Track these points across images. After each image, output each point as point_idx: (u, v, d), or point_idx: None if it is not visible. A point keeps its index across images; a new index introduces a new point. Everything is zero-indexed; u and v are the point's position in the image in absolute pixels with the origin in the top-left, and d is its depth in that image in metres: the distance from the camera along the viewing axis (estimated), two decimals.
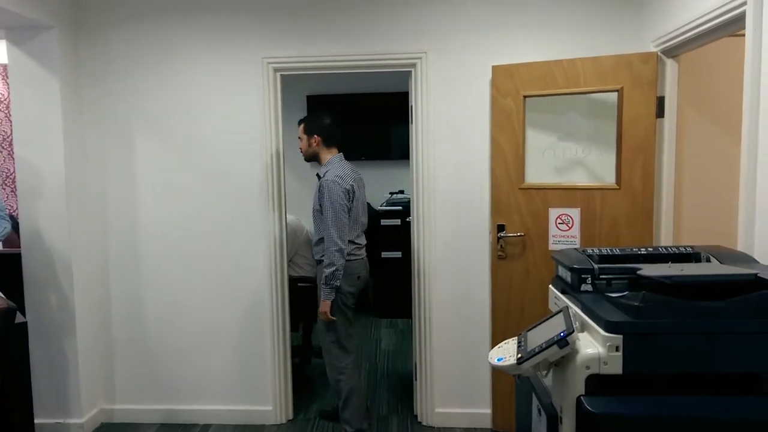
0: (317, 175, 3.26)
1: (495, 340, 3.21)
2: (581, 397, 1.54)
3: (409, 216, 3.55)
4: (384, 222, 5.59)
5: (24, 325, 2.64)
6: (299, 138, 3.30)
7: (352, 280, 3.17)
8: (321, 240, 3.11)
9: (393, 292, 5.55)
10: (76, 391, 3.36)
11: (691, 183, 3.01)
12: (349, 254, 3.10)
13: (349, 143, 5.79)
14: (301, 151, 3.31)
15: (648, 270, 1.68)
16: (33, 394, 2.95)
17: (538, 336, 1.68)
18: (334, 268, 3.01)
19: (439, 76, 3.28)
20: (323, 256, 3.06)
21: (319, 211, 3.11)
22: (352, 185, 3.12)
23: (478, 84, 3.25)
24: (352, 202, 3.13)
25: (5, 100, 5.05)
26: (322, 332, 3.23)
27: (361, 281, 3.27)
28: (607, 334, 1.53)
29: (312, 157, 3.31)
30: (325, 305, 3.07)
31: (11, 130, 3.35)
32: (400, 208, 5.53)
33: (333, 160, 3.23)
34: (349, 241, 3.10)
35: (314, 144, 3.25)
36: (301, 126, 3.29)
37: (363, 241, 3.30)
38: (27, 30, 3.16)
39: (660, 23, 2.88)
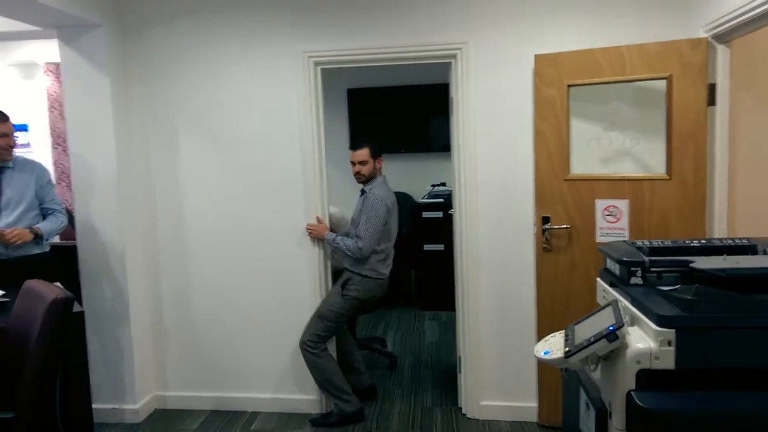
0: (363, 190, 3.46)
1: (540, 334, 3.17)
2: (632, 392, 1.52)
3: (451, 209, 3.54)
4: (426, 214, 5.58)
5: (81, 315, 2.75)
6: (362, 162, 3.42)
7: (366, 293, 3.41)
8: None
9: (436, 285, 5.54)
10: (130, 378, 3.49)
11: (745, 172, 2.91)
12: (373, 269, 3.40)
13: (389, 136, 5.86)
14: (362, 175, 3.45)
15: (701, 263, 1.64)
16: (90, 381, 3.07)
17: (586, 329, 1.67)
18: (348, 252, 3.32)
19: (480, 66, 3.25)
20: (350, 253, 3.35)
21: (356, 222, 3.39)
22: (391, 203, 3.42)
23: (521, 74, 3.21)
24: (389, 219, 3.41)
25: (59, 98, 5.24)
26: (323, 302, 3.42)
27: (372, 300, 3.50)
28: (658, 328, 1.50)
29: (371, 178, 3.46)
30: (323, 235, 3.39)
31: (65, 128, 3.48)
32: (442, 200, 5.51)
33: (381, 179, 3.49)
34: (378, 249, 3.39)
35: (378, 165, 3.46)
36: (365, 150, 3.43)
37: (389, 259, 3.52)
38: (76, 28, 3.27)
39: (710, 8, 2.77)
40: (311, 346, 3.33)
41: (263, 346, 3.59)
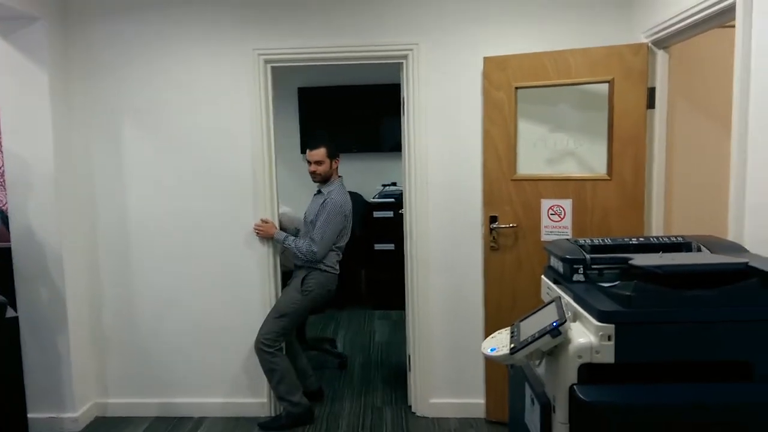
0: (319, 190, 3.47)
1: (488, 331, 3.23)
2: (574, 386, 1.56)
3: (402, 208, 3.56)
4: (377, 214, 5.59)
5: (15, 320, 2.63)
6: (318, 162, 3.40)
7: (323, 287, 3.42)
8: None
9: (386, 284, 5.56)
10: (69, 385, 3.35)
11: (681, 173, 3.03)
12: (329, 265, 3.42)
13: (340, 135, 5.84)
14: (318, 175, 3.44)
15: (639, 260, 1.70)
16: (26, 389, 2.93)
17: (531, 326, 1.70)
18: (300, 254, 3.31)
19: (430, 67, 3.27)
20: (302, 256, 3.34)
21: (312, 223, 3.37)
22: (350, 210, 3.46)
23: (470, 75, 3.25)
24: (346, 224, 3.45)
25: None
26: (281, 300, 3.41)
27: (328, 294, 3.50)
28: (599, 323, 1.54)
29: (327, 179, 3.45)
30: (271, 234, 3.37)
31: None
32: (393, 200, 5.54)
33: (339, 182, 3.49)
34: (335, 247, 3.42)
35: (335, 166, 3.46)
36: (322, 150, 3.41)
37: (341, 255, 3.53)
38: (13, 21, 3.11)
39: (650, 15, 2.88)
40: (268, 344, 3.28)
41: (210, 350, 3.51)
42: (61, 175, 3.28)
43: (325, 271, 3.40)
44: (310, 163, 3.45)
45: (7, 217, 3.35)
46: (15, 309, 3.17)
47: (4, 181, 3.35)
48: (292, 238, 3.37)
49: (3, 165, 3.35)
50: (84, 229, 3.45)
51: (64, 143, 3.32)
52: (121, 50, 3.35)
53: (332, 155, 3.45)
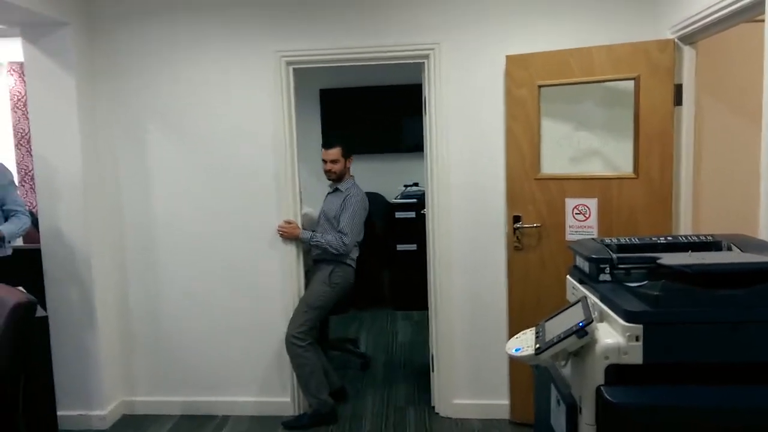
0: (336, 188, 3.54)
1: (512, 331, 3.20)
2: (601, 387, 1.53)
3: (424, 208, 3.55)
4: (399, 215, 5.58)
5: (45, 320, 2.68)
6: (334, 161, 3.50)
7: (347, 280, 3.54)
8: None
9: (408, 285, 5.55)
10: (97, 383, 3.41)
11: (710, 171, 2.97)
12: (353, 258, 3.57)
13: (362, 136, 5.85)
14: (333, 173, 3.54)
15: (668, 259, 1.67)
16: (56, 387, 2.99)
17: (557, 326, 1.68)
18: (332, 249, 3.37)
19: (452, 67, 3.26)
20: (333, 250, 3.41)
21: (335, 218, 3.42)
22: (368, 207, 3.59)
23: (492, 74, 3.23)
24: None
25: (23, 98, 5.11)
26: (309, 294, 3.45)
27: (350, 286, 3.60)
28: (626, 323, 1.52)
29: (341, 177, 3.54)
30: (296, 235, 3.42)
31: (29, 128, 3.38)
32: (415, 200, 5.52)
33: (352, 180, 3.59)
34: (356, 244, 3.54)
35: (348, 164, 3.57)
36: (338, 149, 3.51)
37: (359, 251, 3.67)
38: (42, 27, 3.18)
39: (677, 10, 2.83)
40: (300, 338, 3.31)
41: (234, 348, 3.54)
42: (88, 178, 3.34)
43: (348, 265, 3.52)
44: (325, 162, 3.53)
45: (37, 219, 3.43)
46: (45, 309, 3.23)
47: (34, 184, 3.42)
48: (320, 234, 3.43)
49: (33, 168, 3.41)
50: (111, 229, 3.51)
51: (91, 146, 3.38)
52: (145, 53, 3.40)
53: (346, 154, 3.55)
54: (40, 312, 2.40)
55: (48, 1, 3.02)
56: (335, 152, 3.51)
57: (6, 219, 3.20)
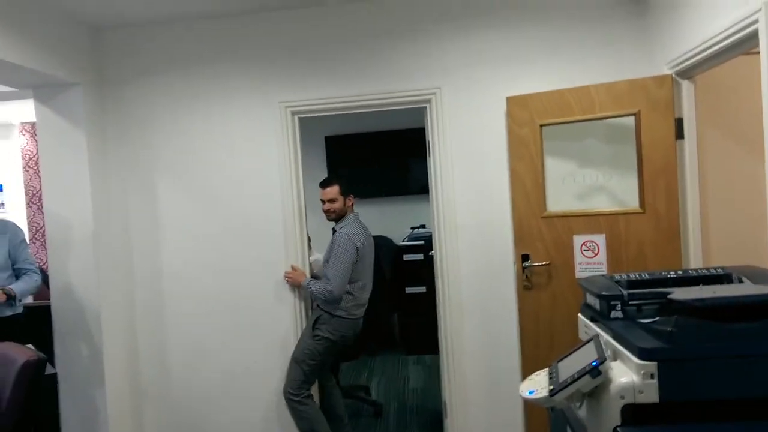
0: (333, 229, 3.42)
1: (525, 372, 3.14)
2: (617, 429, 1.49)
3: (432, 250, 3.54)
4: (406, 257, 5.57)
5: (54, 377, 2.67)
6: (332, 200, 3.38)
7: (336, 334, 3.29)
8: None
9: (419, 328, 5.47)
10: None
11: (717, 203, 2.96)
12: (344, 309, 3.29)
13: (368, 181, 5.89)
14: (332, 213, 3.41)
15: (679, 294, 1.64)
16: None
17: (570, 366, 1.65)
18: (320, 296, 3.24)
19: (454, 110, 3.31)
20: (321, 297, 3.27)
21: (326, 262, 3.32)
22: (362, 242, 3.32)
23: (494, 116, 3.27)
24: (362, 259, 3.33)
25: (34, 157, 5.22)
26: (297, 346, 3.35)
27: (343, 340, 3.34)
28: (640, 361, 1.49)
29: (342, 216, 3.40)
30: (299, 282, 3.35)
31: (40, 186, 3.44)
32: (422, 242, 5.52)
33: (352, 217, 3.43)
34: (352, 289, 3.30)
35: (349, 203, 3.42)
36: (335, 187, 3.39)
37: (363, 298, 3.40)
38: (53, 88, 3.27)
39: (673, 46, 2.88)
40: (294, 393, 3.25)
41: (246, 400, 3.49)
42: (99, 233, 3.36)
43: (338, 316, 3.28)
44: (323, 201, 3.42)
45: (47, 276, 3.44)
46: (53, 366, 3.21)
47: (45, 241, 3.45)
48: (313, 281, 3.34)
49: (44, 225, 3.45)
50: (121, 284, 3.52)
51: (102, 201, 3.42)
52: (153, 108, 3.48)
53: (345, 192, 3.41)
54: (49, 369, 2.39)
55: (60, 63, 3.12)
56: (333, 191, 3.38)
57: (17, 277, 3.23)
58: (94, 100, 3.41)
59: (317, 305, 3.39)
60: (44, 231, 3.48)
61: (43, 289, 3.64)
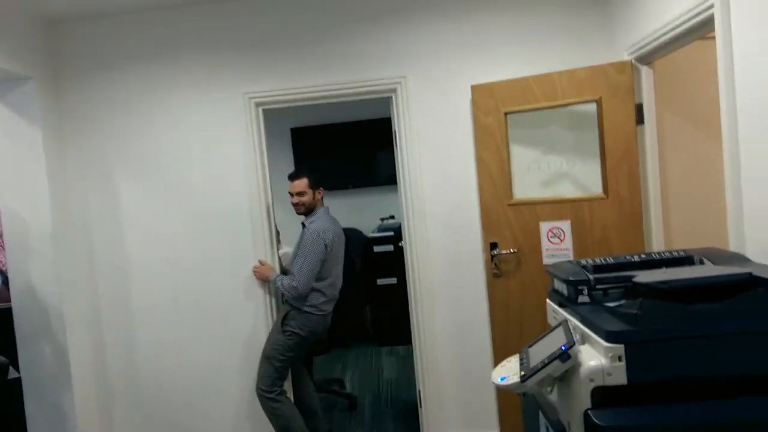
0: (303, 223, 3.38)
1: (497, 359, 3.18)
2: (588, 411, 1.52)
3: (401, 241, 3.54)
4: (377, 248, 5.57)
5: (17, 381, 2.58)
6: (300, 193, 3.33)
7: (305, 329, 3.27)
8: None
9: (391, 319, 5.49)
10: None
11: (677, 187, 3.03)
12: (312, 305, 3.26)
13: (336, 172, 5.86)
14: (301, 206, 3.36)
15: (643, 277, 1.68)
16: None
17: (540, 352, 1.67)
18: (284, 291, 3.22)
19: (419, 99, 3.31)
20: (286, 293, 3.25)
21: (294, 257, 3.29)
22: (332, 238, 3.28)
23: (459, 104, 3.28)
24: (332, 254, 3.30)
25: None
26: (267, 342, 3.32)
27: (312, 335, 3.33)
28: (608, 344, 1.52)
29: (311, 210, 3.36)
30: (267, 276, 3.32)
31: None
32: (392, 233, 5.52)
33: (322, 211, 3.39)
34: (320, 286, 3.27)
35: (318, 196, 3.37)
36: (304, 180, 3.33)
37: (332, 294, 3.37)
38: (5, 83, 3.15)
39: (632, 31, 2.92)
40: (266, 390, 3.22)
41: (214, 398, 3.46)
42: (58, 230, 3.26)
43: (306, 312, 3.25)
44: (292, 195, 3.37)
45: (7, 278, 3.34)
46: (17, 369, 3.12)
47: (3, 242, 3.34)
48: (281, 276, 3.30)
49: (1, 226, 3.34)
50: (83, 282, 3.43)
51: (60, 198, 3.32)
52: (112, 102, 3.38)
53: (315, 185, 3.36)
54: (12, 374, 2.32)
55: (10, 56, 3.00)
56: (301, 184, 3.33)
57: None
58: (48, 96, 3.30)
59: (286, 300, 3.37)
60: (1, 231, 3.35)
61: (3, 291, 3.53)
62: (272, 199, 3.48)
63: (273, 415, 3.23)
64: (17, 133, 3.19)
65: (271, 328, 3.39)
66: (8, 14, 3.02)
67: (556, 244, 3.06)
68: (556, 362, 1.55)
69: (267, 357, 3.26)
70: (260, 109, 3.40)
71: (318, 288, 3.27)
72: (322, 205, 3.44)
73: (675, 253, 1.97)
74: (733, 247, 2.14)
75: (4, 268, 3.61)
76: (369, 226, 5.89)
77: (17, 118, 3.19)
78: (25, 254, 3.24)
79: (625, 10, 3.00)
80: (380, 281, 5.56)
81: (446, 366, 3.38)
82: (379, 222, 5.89)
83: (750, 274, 1.57)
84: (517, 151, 3.16)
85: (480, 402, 3.35)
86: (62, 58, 3.37)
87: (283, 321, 3.27)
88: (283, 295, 3.36)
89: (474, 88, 3.18)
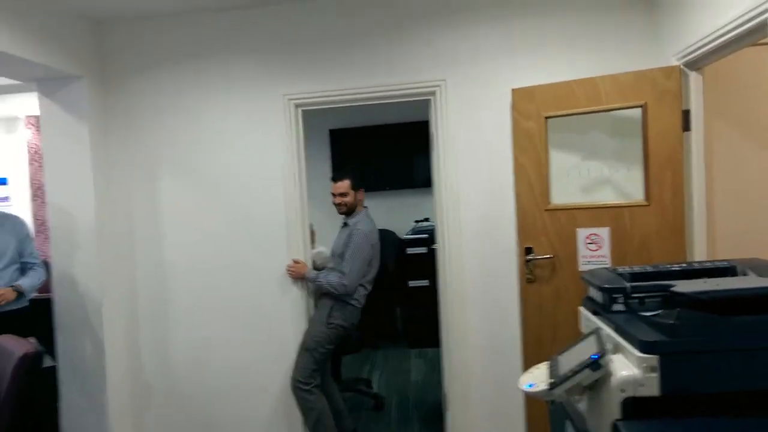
0: (345, 223, 3.46)
1: (527, 366, 3.10)
2: (617, 422, 1.47)
3: (435, 243, 3.52)
4: (410, 251, 5.55)
5: (52, 369, 2.66)
6: (343, 194, 3.43)
7: (348, 321, 3.37)
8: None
9: (422, 322, 5.46)
10: None
11: (723, 196, 2.92)
12: (356, 299, 3.38)
13: (372, 174, 5.87)
14: (343, 206, 3.47)
15: (682, 286, 1.62)
16: None
17: (570, 359, 1.63)
18: (332, 289, 3.29)
19: (458, 102, 3.28)
20: (333, 290, 3.32)
21: (341, 256, 3.35)
22: (376, 240, 3.45)
23: (499, 108, 3.24)
24: (372, 253, 3.43)
25: (39, 150, 5.23)
26: (307, 335, 3.36)
27: (352, 328, 3.44)
28: (642, 354, 1.47)
29: (352, 210, 3.46)
30: (302, 274, 3.36)
31: (43, 180, 3.45)
32: (426, 236, 5.49)
33: (364, 213, 3.50)
34: (363, 281, 3.39)
35: (359, 197, 3.47)
36: (347, 182, 3.44)
37: (371, 287, 3.49)
38: (57, 81, 3.26)
39: (680, 36, 2.83)
40: (303, 382, 3.25)
41: (247, 393, 3.49)
42: (102, 226, 3.36)
43: (351, 305, 3.36)
44: (335, 195, 3.48)
45: (49, 269, 3.44)
46: (55, 359, 3.21)
47: (48, 234, 3.45)
48: (323, 273, 3.37)
49: (47, 219, 3.45)
50: (123, 277, 3.51)
51: (104, 194, 3.41)
52: (157, 102, 3.46)
53: (356, 187, 3.47)
54: (48, 362, 2.40)
55: (63, 56, 3.11)
56: (344, 185, 3.44)
57: (22, 271, 3.23)
58: (97, 94, 3.40)
59: (323, 295, 3.41)
60: (48, 224, 3.47)
61: (46, 282, 3.65)
62: (309, 199, 3.50)
63: (306, 408, 3.25)
64: (65, 130, 3.30)
65: (309, 322, 3.42)
66: (60, 15, 3.13)
67: (594, 251, 2.98)
68: (587, 371, 1.51)
69: (308, 349, 3.29)
70: (299, 110, 3.42)
71: (362, 284, 3.40)
72: (362, 206, 3.50)
73: (717, 263, 1.90)
74: None
75: (48, 260, 3.74)
76: (403, 228, 5.88)
77: (66, 115, 3.30)
78: (69, 247, 3.34)
79: (674, 13, 2.91)
80: (412, 283, 5.53)
81: (475, 370, 3.33)
82: (413, 224, 5.87)
83: None
84: (556, 155, 3.10)
85: (508, 408, 3.28)
86: (110, 57, 3.47)
87: (329, 314, 3.33)
88: (321, 291, 3.42)
89: (515, 91, 3.13)
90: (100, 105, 3.43)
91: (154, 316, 3.53)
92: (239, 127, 3.42)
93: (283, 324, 3.44)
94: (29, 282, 3.19)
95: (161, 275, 3.52)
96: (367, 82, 3.33)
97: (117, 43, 3.46)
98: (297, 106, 3.40)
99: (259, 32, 3.38)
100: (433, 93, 3.31)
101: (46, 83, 3.29)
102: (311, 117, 3.56)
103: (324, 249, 3.97)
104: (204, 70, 3.42)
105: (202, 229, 3.48)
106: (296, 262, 3.38)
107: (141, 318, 3.54)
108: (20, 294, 3.11)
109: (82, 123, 3.29)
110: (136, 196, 3.51)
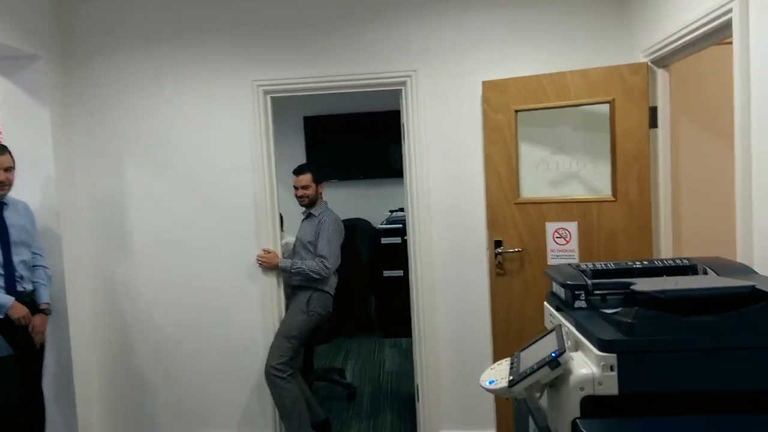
0: (309, 213, 3.55)
1: (496, 359, 3.14)
2: (577, 420, 1.48)
3: None
4: (384, 240, 5.55)
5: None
6: (305, 187, 3.54)
7: (325, 309, 3.50)
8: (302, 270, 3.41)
9: (396, 311, 5.46)
10: (71, 423, 3.30)
11: (689, 192, 2.96)
12: (331, 286, 3.55)
13: (347, 162, 5.84)
14: (305, 198, 3.56)
15: (642, 284, 1.63)
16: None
17: (531, 356, 1.63)
18: (314, 275, 3.38)
19: (429, 93, 3.26)
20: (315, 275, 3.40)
21: (311, 243, 3.44)
22: (343, 231, 3.60)
23: (469, 100, 3.23)
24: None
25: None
26: (286, 323, 3.39)
27: (328, 315, 3.55)
28: (600, 353, 1.48)
29: (313, 202, 3.57)
30: (275, 264, 3.37)
31: None
32: (401, 225, 5.48)
33: (326, 204, 3.64)
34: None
35: (320, 190, 3.58)
36: (308, 175, 3.56)
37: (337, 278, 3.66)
38: (15, 61, 3.15)
39: (649, 34, 2.85)
40: (280, 369, 3.24)
41: (215, 382, 3.47)
42: (64, 210, 3.28)
43: (327, 292, 3.49)
44: (297, 188, 3.56)
45: None
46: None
47: None
48: (299, 261, 3.40)
49: None
50: (88, 263, 3.44)
51: (66, 178, 3.33)
52: (121, 85, 3.38)
53: (318, 180, 3.58)
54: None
55: (19, 35, 3.00)
56: (306, 178, 3.55)
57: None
58: (57, 75, 3.30)
59: (297, 284, 3.46)
60: None
61: None
62: (279, 187, 3.47)
63: (281, 396, 3.24)
64: (25, 112, 3.20)
65: (288, 310, 3.45)
66: None
67: (562, 245, 3.01)
68: (545, 369, 1.51)
69: (286, 336, 3.30)
70: (269, 97, 3.37)
71: (335, 272, 3.54)
72: (322, 199, 3.63)
73: (678, 262, 1.92)
74: (740, 258, 2.09)
75: None
76: (378, 218, 5.87)
77: (26, 96, 3.19)
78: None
79: (643, 10, 2.92)
80: (386, 273, 5.54)
81: (445, 362, 3.35)
82: (388, 214, 5.86)
83: (753, 287, 1.52)
84: (526, 149, 3.11)
85: (478, 401, 3.31)
86: (71, 37, 3.37)
87: (308, 302, 3.40)
88: (294, 279, 3.46)
89: (485, 84, 3.13)
90: (61, 87, 3.32)
91: (119, 302, 3.48)
92: (208, 111, 3.36)
93: (252, 312, 3.41)
94: (47, 293, 2.99)
95: (127, 259, 3.45)
96: (337, 71, 3.29)
97: (80, 23, 3.36)
98: (266, 92, 3.35)
99: (230, 17, 3.31)
100: (404, 83, 3.29)
101: (4, 62, 3.16)
102: (285, 103, 3.53)
103: (292, 239, 3.95)
104: (171, 52, 3.35)
105: (169, 215, 3.42)
106: (266, 251, 3.35)
107: (106, 304, 3.48)
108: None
109: (43, 106, 3.18)
110: (99, 180, 3.43)
